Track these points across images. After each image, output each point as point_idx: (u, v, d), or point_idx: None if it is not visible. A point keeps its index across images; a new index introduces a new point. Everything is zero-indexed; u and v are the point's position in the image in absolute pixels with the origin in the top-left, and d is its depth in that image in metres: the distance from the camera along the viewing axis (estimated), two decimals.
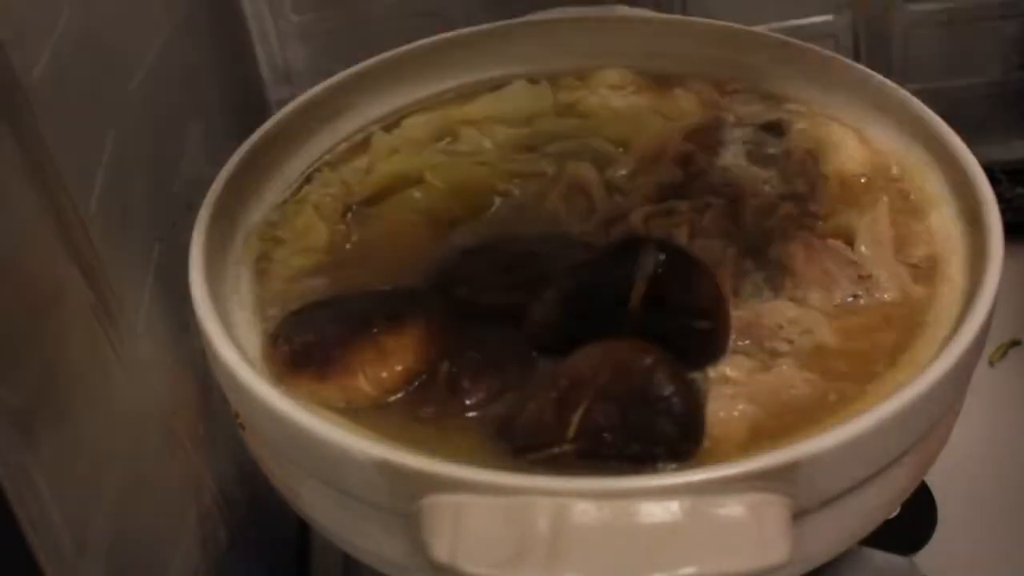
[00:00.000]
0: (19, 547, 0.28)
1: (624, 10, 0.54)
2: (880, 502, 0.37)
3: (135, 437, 0.36)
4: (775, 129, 0.48)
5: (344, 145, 0.50)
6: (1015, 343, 0.57)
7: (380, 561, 0.37)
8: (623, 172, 0.46)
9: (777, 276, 0.41)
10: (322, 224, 0.45)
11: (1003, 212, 0.40)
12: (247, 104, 0.62)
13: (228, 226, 0.44)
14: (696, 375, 0.37)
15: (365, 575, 0.39)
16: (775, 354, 0.38)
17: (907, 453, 0.35)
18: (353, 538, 0.37)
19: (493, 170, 0.47)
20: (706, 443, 0.34)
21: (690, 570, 0.29)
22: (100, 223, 0.37)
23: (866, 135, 0.47)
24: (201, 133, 0.50)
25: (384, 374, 0.37)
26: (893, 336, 0.38)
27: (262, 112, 0.58)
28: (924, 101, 0.46)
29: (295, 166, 0.48)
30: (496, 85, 0.53)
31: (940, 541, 0.47)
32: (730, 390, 0.36)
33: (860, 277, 0.40)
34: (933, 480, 0.45)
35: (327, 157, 0.49)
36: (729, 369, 0.37)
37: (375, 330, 0.37)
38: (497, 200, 0.46)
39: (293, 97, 0.50)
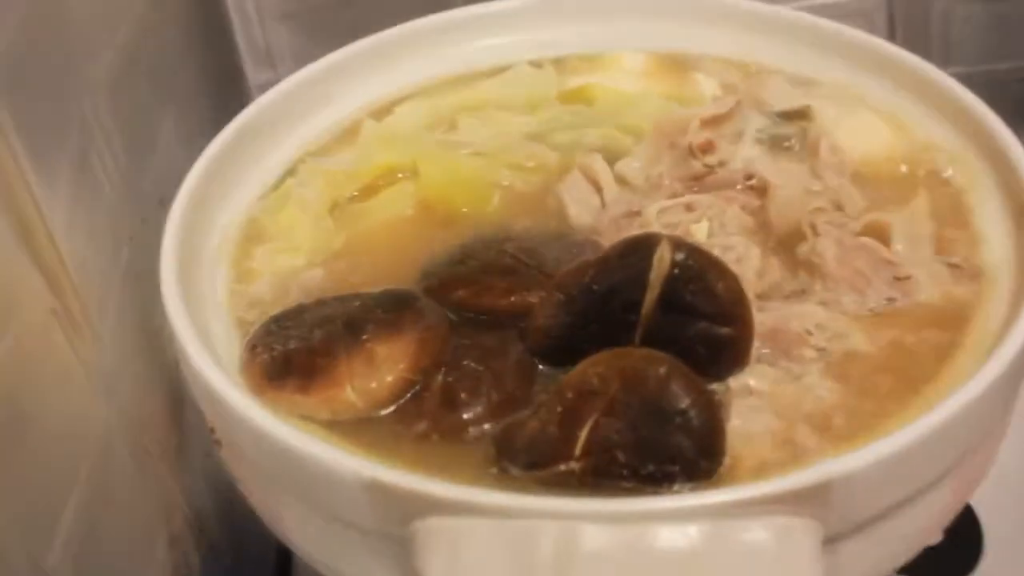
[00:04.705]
0: None
1: None
2: (920, 527, 0.37)
3: (100, 454, 0.36)
4: (803, 116, 0.48)
5: (331, 135, 0.50)
6: None
7: None
8: (636, 164, 0.46)
9: (805, 277, 0.41)
10: (307, 221, 0.45)
11: None
12: (225, 90, 0.62)
13: (204, 223, 0.44)
14: (716, 386, 0.36)
15: None
16: (803, 363, 0.38)
17: (950, 473, 0.35)
18: (339, 565, 0.37)
19: (493, 162, 0.47)
20: (727, 461, 0.34)
21: None
22: (63, 221, 0.37)
23: (903, 123, 0.47)
24: (174, 121, 0.50)
25: (373, 385, 0.37)
26: (933, 343, 0.38)
27: (241, 98, 0.59)
28: (966, 85, 0.46)
29: (277, 157, 0.48)
30: (496, 69, 0.52)
31: (986, 570, 0.47)
32: (753, 402, 0.36)
33: (896, 278, 0.40)
34: (979, 503, 0.45)
35: (312, 148, 0.49)
36: (752, 379, 0.37)
37: (364, 337, 0.37)
38: (497, 194, 0.46)
39: (275, 82, 0.50)
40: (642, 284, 0.36)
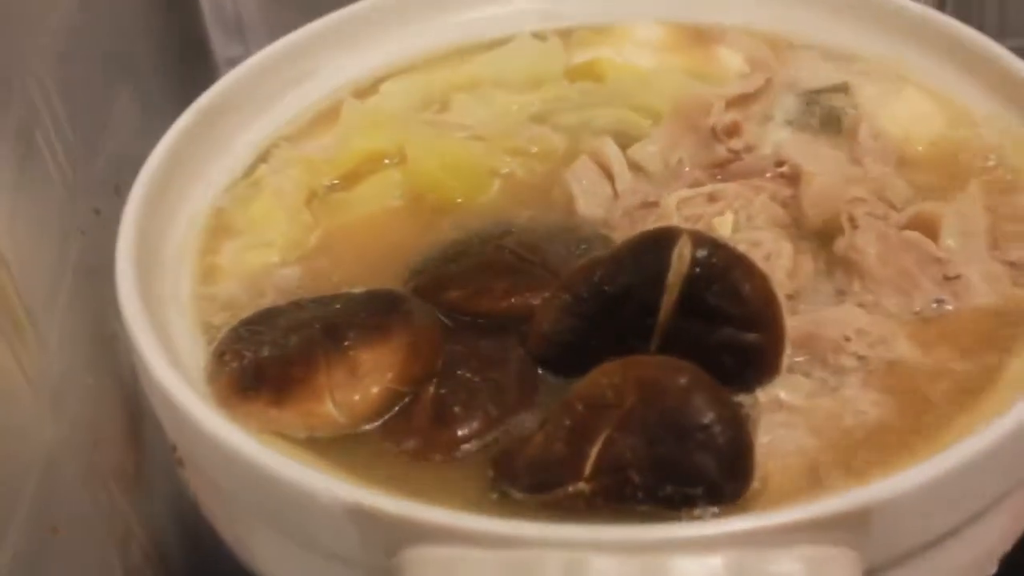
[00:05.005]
0: None
1: None
2: (972, 558, 0.36)
3: (45, 475, 0.36)
4: (840, 95, 0.48)
5: (308, 116, 0.50)
6: None
7: None
8: (652, 149, 0.46)
9: (843, 277, 0.41)
10: (281, 213, 0.45)
11: None
12: (188, 64, 0.62)
13: (165, 215, 0.44)
14: (743, 399, 0.36)
15: None
16: (841, 373, 0.38)
17: (1007, 496, 0.35)
18: None
19: (491, 146, 0.47)
20: (755, 483, 0.34)
21: None
22: (5, 211, 0.37)
23: (953, 102, 0.47)
24: (131, 100, 0.50)
25: (357, 397, 0.37)
26: (987, 351, 0.38)
27: (207, 74, 0.58)
28: None
29: (248, 140, 0.48)
30: (495, 42, 0.53)
31: None
32: (785, 417, 0.36)
33: (946, 278, 0.40)
34: None
35: (287, 131, 0.50)
36: (784, 392, 0.37)
37: (346, 343, 0.37)
38: (496, 183, 0.46)
39: (245, 56, 0.50)
40: (659, 284, 0.36)
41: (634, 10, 0.53)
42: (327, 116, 0.50)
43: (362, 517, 0.32)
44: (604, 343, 0.36)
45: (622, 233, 0.42)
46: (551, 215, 0.45)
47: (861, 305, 0.40)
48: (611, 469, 0.33)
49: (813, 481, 0.35)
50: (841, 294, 0.40)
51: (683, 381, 0.34)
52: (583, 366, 0.35)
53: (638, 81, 0.50)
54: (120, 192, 0.43)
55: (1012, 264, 0.41)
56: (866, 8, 0.50)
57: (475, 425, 0.36)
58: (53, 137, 0.42)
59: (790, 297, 0.40)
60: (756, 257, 0.39)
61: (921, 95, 0.48)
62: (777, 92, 0.48)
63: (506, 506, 0.34)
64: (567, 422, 0.34)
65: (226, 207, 0.46)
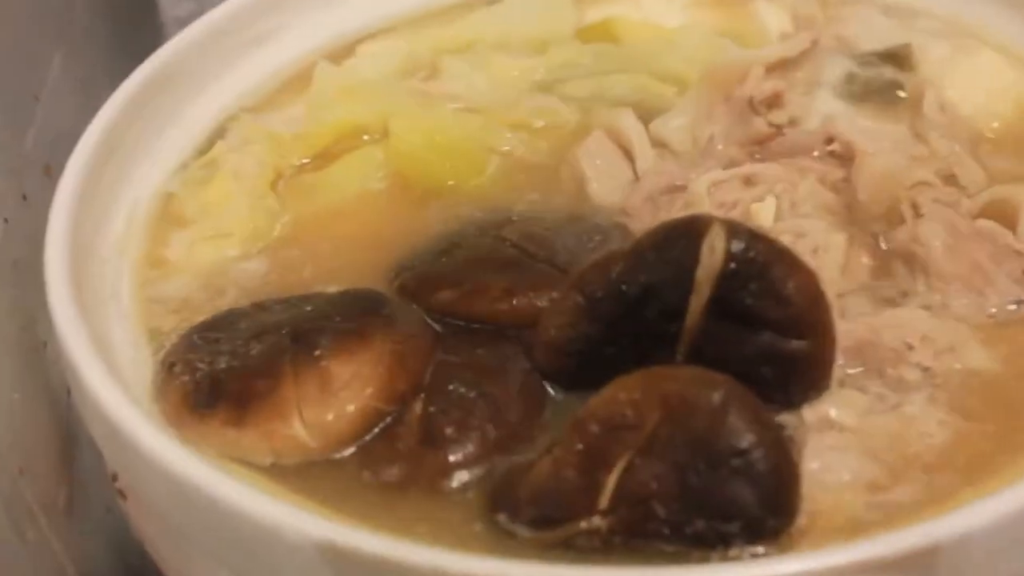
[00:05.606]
0: None
1: None
2: None
3: None
4: (901, 59, 0.48)
5: (273, 83, 0.51)
6: None
7: None
8: (678, 122, 0.46)
9: (905, 273, 0.41)
10: (241, 197, 0.45)
11: None
12: (131, 24, 0.62)
13: (104, 200, 0.44)
14: (786, 418, 0.36)
15: None
16: (903, 387, 0.38)
17: None
18: None
19: (489, 120, 0.47)
20: (801, 518, 0.34)
21: None
22: None
23: None
24: (65, 66, 0.50)
25: (330, 417, 0.37)
26: None
27: (153, 35, 0.58)
28: None
29: (202, 113, 0.49)
30: None
31: None
32: (836, 440, 0.36)
33: None
34: None
35: (249, 100, 0.50)
36: (835, 409, 0.37)
37: (317, 352, 0.37)
38: (495, 163, 0.46)
39: (198, 14, 0.50)
40: (687, 283, 0.36)
41: None
42: (296, 83, 0.50)
43: (336, 557, 0.32)
44: (622, 352, 0.36)
45: (643, 222, 0.42)
46: (559, 201, 0.45)
47: (926, 307, 0.40)
48: (632, 501, 0.33)
49: (870, 516, 0.34)
50: (902, 294, 0.40)
51: (716, 397, 0.33)
52: (597, 379, 0.35)
53: (661, 43, 0.50)
54: (51, 174, 0.43)
55: None
56: None
57: (470, 449, 0.36)
58: None
59: (842, 297, 0.40)
60: (801, 250, 0.39)
61: (998, 59, 0.48)
62: (826, 55, 0.48)
63: (506, 545, 0.34)
64: (579, 445, 0.34)
65: (176, 191, 0.46)
